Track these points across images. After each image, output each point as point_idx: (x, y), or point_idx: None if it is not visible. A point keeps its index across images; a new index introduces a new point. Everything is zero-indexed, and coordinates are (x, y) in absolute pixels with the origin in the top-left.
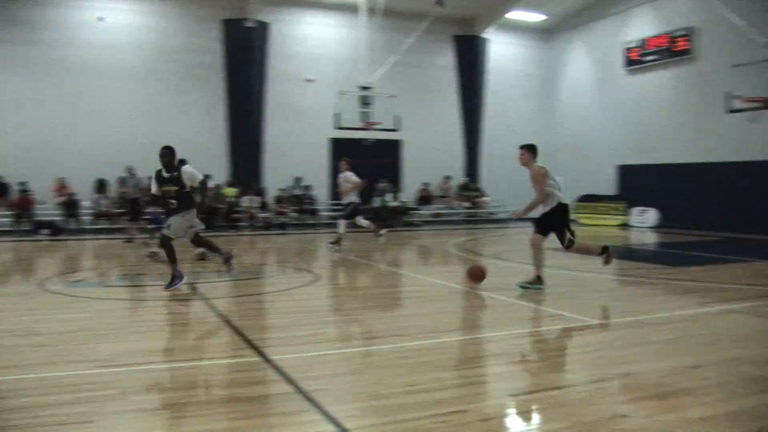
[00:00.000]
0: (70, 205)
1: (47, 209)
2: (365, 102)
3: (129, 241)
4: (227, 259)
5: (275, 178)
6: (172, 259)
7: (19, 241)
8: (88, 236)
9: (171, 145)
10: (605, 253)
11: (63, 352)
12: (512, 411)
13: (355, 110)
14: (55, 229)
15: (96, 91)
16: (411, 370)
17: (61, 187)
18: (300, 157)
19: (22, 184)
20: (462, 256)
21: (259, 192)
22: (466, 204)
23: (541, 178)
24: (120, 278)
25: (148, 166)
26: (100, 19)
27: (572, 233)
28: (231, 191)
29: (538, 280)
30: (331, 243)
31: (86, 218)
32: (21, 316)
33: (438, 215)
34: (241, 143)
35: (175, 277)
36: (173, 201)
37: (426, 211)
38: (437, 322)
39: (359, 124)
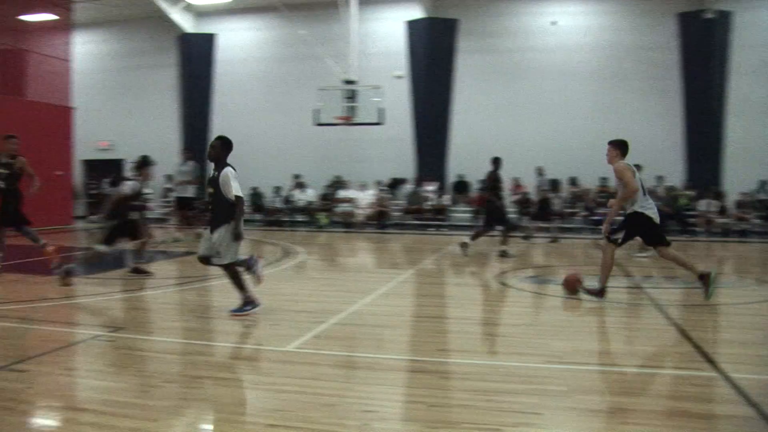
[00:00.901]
0: (525, 203)
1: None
2: None
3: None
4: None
5: (737, 180)
6: (238, 285)
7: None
8: (538, 235)
9: (227, 137)
10: (703, 280)
11: (516, 344)
12: None
13: None
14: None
15: (546, 93)
16: None
17: (517, 186)
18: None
19: (481, 182)
20: None
21: (718, 195)
22: None
23: (626, 173)
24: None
25: (595, 168)
26: (554, 23)
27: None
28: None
29: (600, 292)
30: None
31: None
32: (479, 306)
33: None
34: (698, 143)
35: (246, 303)
36: (210, 206)
37: None
38: None
39: None
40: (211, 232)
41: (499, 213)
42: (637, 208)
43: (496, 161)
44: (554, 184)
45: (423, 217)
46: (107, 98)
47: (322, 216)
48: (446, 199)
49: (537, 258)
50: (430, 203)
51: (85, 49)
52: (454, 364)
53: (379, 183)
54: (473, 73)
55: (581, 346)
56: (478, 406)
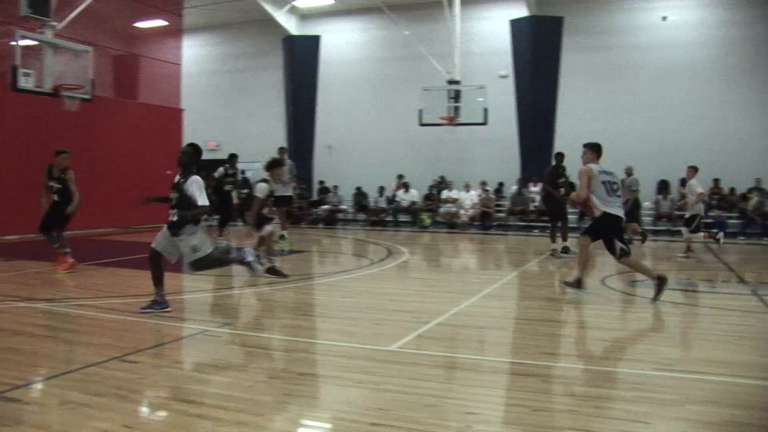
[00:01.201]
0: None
1: None
2: None
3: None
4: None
5: None
6: (156, 280)
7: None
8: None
9: (198, 144)
10: (659, 282)
11: (622, 349)
12: None
13: None
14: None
15: (655, 92)
16: None
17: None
18: None
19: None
20: None
21: None
22: None
23: (583, 177)
24: (680, 282)
25: (708, 169)
26: (664, 18)
27: (624, 244)
28: None
29: (578, 283)
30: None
31: (647, 219)
32: (584, 309)
33: None
34: None
35: (155, 302)
36: (173, 211)
37: None
38: None
39: None
40: (174, 235)
41: (556, 207)
42: (605, 209)
43: (558, 156)
44: (664, 185)
45: (527, 219)
46: (215, 100)
47: (425, 216)
48: None
49: (644, 261)
50: (534, 204)
51: (193, 53)
52: (558, 368)
53: (483, 184)
54: (579, 71)
55: (692, 353)
56: (583, 412)
